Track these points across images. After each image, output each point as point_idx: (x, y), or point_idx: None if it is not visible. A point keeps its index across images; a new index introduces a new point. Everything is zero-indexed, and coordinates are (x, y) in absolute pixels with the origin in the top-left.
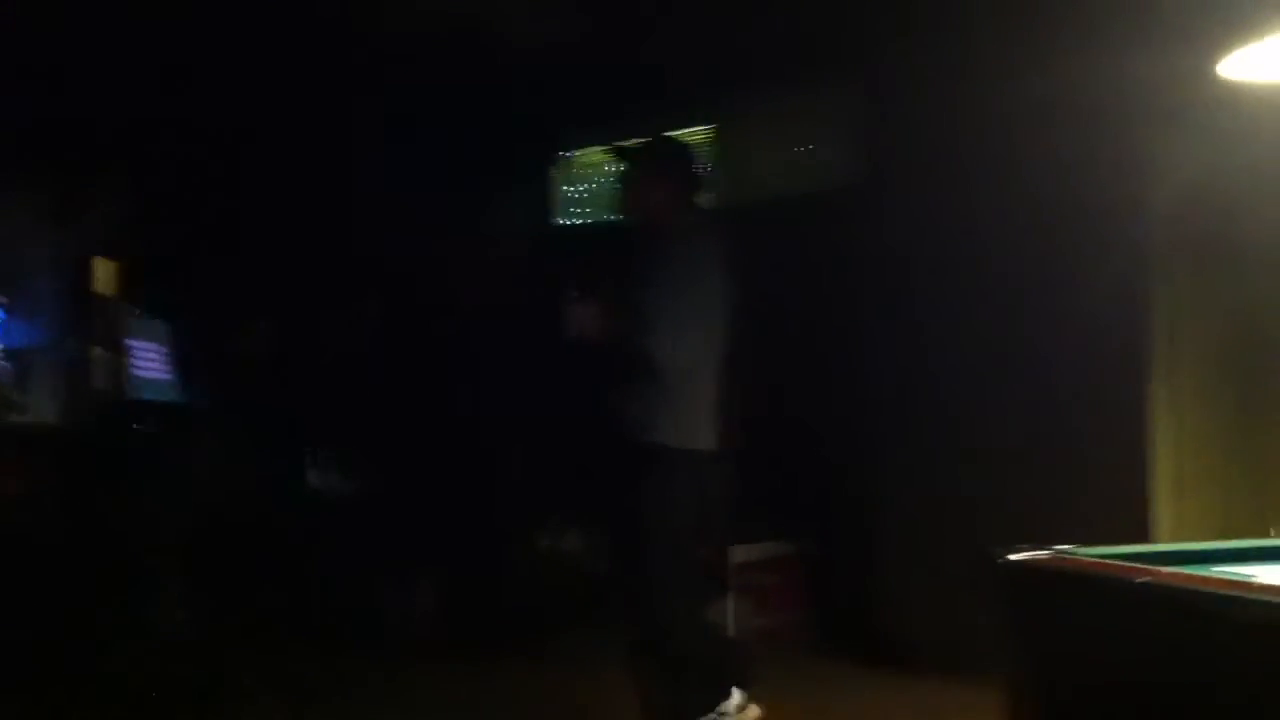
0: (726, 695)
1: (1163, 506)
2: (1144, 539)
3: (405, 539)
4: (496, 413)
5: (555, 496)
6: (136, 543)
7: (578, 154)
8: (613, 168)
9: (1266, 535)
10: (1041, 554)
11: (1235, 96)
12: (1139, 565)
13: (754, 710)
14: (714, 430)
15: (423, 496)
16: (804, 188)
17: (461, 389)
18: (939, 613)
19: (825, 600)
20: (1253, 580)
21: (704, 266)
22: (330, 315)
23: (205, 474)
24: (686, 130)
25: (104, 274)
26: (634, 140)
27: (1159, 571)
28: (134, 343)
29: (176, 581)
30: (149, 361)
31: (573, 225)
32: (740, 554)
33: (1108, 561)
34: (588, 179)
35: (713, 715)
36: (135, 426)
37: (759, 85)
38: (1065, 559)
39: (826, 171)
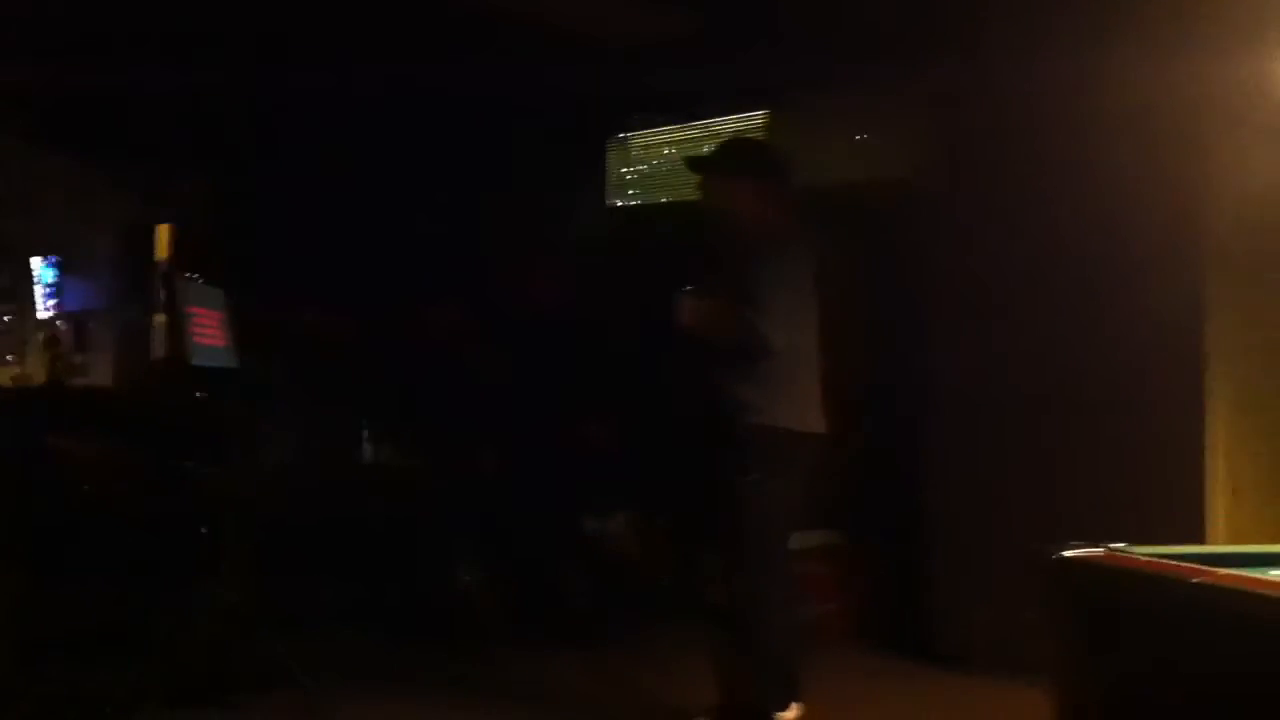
0: (795, 697)
1: (1218, 510)
2: (1199, 542)
3: (495, 520)
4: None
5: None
6: (196, 512)
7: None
8: (699, 171)
9: None
10: (1095, 551)
11: None
12: (1194, 565)
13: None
14: (821, 414)
15: (533, 477)
16: (864, 185)
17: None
18: (988, 610)
19: (871, 593)
20: None
21: (801, 259)
22: (398, 287)
23: (264, 445)
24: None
25: (165, 239)
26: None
27: (1215, 572)
28: (195, 310)
29: (233, 557)
30: (209, 329)
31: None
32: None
33: (1162, 561)
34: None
35: None
36: (197, 395)
37: (824, 77)
38: (1119, 556)
39: (888, 170)
